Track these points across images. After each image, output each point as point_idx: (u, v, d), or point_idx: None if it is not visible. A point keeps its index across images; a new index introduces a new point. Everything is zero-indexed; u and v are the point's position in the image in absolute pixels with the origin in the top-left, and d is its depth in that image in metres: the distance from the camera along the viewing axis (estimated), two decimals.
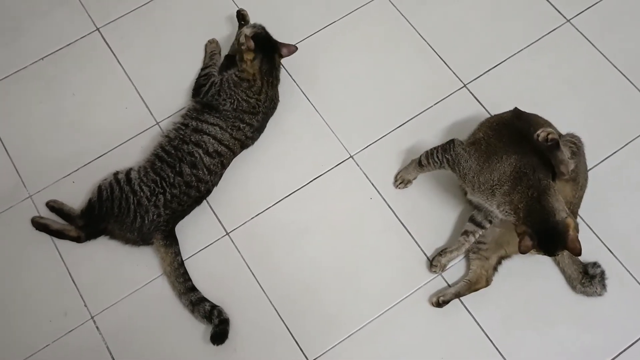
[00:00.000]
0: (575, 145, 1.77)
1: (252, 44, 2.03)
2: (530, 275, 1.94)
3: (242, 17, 2.23)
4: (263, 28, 2.12)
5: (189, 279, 1.90)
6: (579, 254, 1.60)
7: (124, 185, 1.93)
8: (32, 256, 1.97)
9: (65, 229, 1.96)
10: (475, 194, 1.79)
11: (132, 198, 1.91)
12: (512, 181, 1.68)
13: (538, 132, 1.64)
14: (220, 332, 1.84)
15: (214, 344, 1.83)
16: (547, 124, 1.87)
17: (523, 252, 1.62)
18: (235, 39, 2.14)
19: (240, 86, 2.04)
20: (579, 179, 1.81)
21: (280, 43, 2.12)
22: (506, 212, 1.69)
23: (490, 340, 1.87)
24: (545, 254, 1.65)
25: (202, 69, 2.18)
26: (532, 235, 1.60)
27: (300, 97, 2.20)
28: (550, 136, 1.63)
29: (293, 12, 2.34)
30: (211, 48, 2.22)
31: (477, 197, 1.80)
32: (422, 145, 2.07)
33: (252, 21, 2.21)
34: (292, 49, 2.12)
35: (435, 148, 1.89)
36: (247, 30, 2.07)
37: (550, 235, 1.60)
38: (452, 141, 1.84)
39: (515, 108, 1.92)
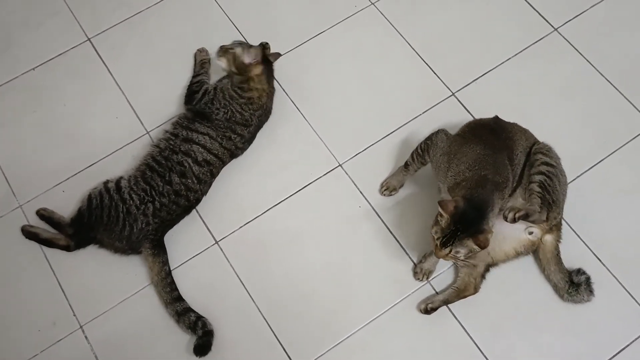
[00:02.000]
0: (547, 175, 1.79)
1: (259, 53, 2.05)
2: (518, 282, 1.94)
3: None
4: (240, 42, 2.12)
5: (176, 289, 1.90)
6: (484, 247, 1.64)
7: (114, 194, 1.93)
8: (22, 265, 1.97)
9: (55, 238, 1.97)
10: (435, 173, 1.86)
11: (121, 206, 1.91)
12: (470, 162, 1.75)
13: (506, 213, 1.71)
14: (203, 343, 1.83)
15: (196, 355, 1.83)
16: (524, 131, 1.91)
17: (439, 206, 1.63)
18: (228, 63, 2.08)
19: (238, 101, 2.05)
20: (558, 202, 1.84)
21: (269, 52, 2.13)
22: (448, 189, 1.73)
23: (478, 348, 1.87)
24: (446, 231, 1.64)
25: (194, 77, 2.19)
26: (458, 207, 1.62)
27: (290, 105, 2.21)
28: (517, 215, 1.70)
29: (283, 21, 2.35)
30: (201, 57, 2.23)
31: (436, 177, 1.87)
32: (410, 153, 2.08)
33: (247, 34, 2.22)
34: (276, 55, 2.13)
35: (419, 144, 1.96)
36: (237, 49, 2.06)
37: (472, 217, 1.63)
38: (438, 130, 1.93)
39: (496, 116, 1.95)
